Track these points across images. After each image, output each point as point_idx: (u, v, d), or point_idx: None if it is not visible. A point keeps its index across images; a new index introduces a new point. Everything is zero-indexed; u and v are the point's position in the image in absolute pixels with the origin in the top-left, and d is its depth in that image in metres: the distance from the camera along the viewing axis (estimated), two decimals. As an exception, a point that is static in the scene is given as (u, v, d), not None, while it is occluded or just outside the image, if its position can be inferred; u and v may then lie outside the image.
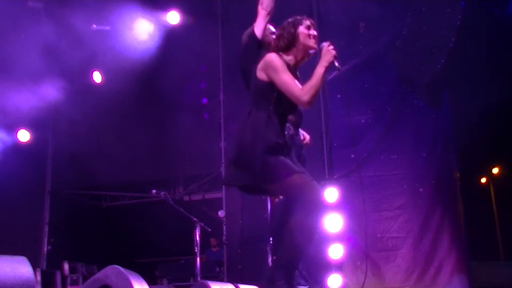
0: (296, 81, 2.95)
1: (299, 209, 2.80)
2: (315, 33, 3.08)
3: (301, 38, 3.03)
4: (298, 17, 3.11)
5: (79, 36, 7.36)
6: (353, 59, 7.20)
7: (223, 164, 7.54)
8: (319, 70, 2.91)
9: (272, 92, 2.94)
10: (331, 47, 2.96)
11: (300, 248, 2.83)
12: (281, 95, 2.94)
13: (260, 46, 3.56)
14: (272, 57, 2.95)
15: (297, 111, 3.34)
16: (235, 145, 3.03)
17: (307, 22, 3.08)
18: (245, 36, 3.68)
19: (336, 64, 2.95)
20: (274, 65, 2.92)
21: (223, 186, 7.46)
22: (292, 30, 3.04)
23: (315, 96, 2.89)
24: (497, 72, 7.35)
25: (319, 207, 2.80)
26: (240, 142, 2.96)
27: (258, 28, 3.53)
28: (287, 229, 2.83)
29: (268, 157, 2.84)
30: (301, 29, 3.04)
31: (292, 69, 3.04)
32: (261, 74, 2.97)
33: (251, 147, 2.87)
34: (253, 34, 3.54)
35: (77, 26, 7.31)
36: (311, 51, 3.08)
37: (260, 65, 2.98)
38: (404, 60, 6.92)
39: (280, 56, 3.01)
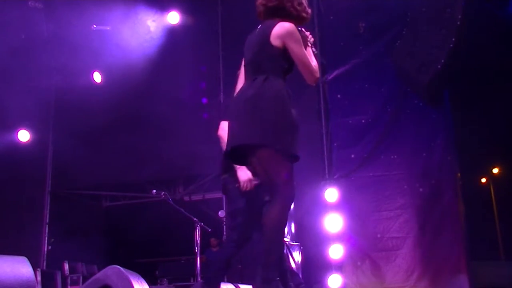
0: None
1: (272, 201, 2.79)
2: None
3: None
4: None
5: (79, 36, 7.36)
6: (353, 59, 7.20)
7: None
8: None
9: (284, 61, 2.88)
10: (310, 35, 3.02)
11: (274, 243, 2.77)
12: (290, 65, 2.90)
13: None
14: (294, 28, 2.85)
15: None
16: (247, 105, 2.83)
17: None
18: None
19: (313, 49, 3.03)
20: (297, 36, 2.84)
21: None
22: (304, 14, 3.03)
23: None
24: (497, 72, 7.36)
25: (290, 202, 2.80)
26: (257, 102, 2.80)
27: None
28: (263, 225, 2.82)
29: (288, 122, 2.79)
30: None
31: None
32: (277, 42, 2.85)
33: (273, 109, 2.76)
34: None
35: (77, 26, 7.32)
36: None
37: (278, 33, 2.85)
38: (404, 60, 6.91)
39: None
